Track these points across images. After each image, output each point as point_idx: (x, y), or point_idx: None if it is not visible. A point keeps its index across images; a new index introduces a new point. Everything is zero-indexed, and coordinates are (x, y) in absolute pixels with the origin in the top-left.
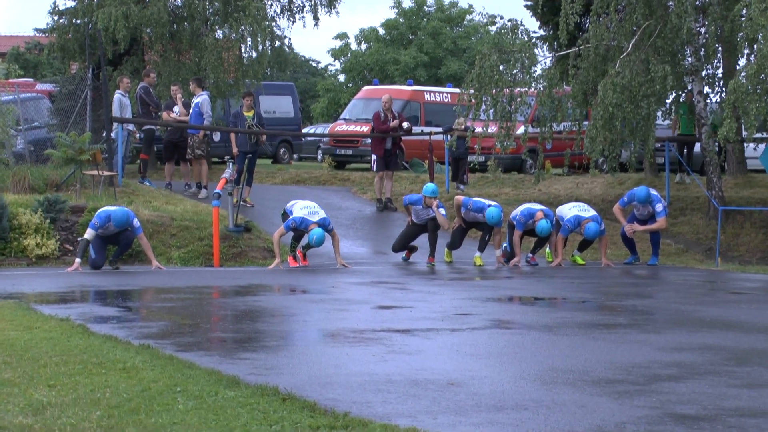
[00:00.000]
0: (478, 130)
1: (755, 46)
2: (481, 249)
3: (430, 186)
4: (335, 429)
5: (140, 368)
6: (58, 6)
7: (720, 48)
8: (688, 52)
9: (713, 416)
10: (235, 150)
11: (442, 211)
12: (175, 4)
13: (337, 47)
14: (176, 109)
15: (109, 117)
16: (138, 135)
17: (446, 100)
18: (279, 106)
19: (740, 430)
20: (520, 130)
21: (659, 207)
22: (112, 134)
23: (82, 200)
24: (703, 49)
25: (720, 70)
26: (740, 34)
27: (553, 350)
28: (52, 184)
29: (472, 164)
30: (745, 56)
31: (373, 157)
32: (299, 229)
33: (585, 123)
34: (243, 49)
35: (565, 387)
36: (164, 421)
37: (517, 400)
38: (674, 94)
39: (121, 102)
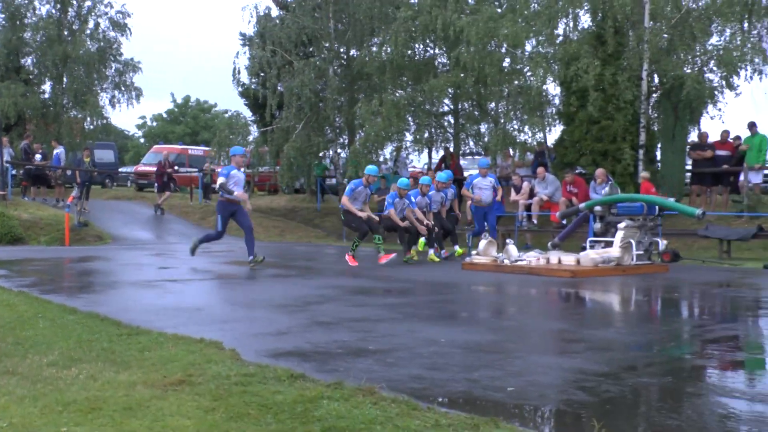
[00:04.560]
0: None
1: (365, 129)
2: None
3: (404, 180)
4: (131, 335)
5: (17, 304)
6: None
7: (346, 128)
8: (329, 131)
9: (338, 322)
10: (78, 180)
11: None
12: (45, 97)
13: (140, 123)
14: (38, 157)
15: (2, 161)
16: (21, 172)
17: (201, 154)
18: (106, 155)
19: (351, 328)
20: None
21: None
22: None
23: None
24: (338, 129)
25: (347, 140)
26: (356, 121)
27: (254, 289)
28: None
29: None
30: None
31: (156, 184)
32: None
33: (277, 167)
34: (85, 124)
35: (262, 309)
36: (30, 334)
37: (236, 317)
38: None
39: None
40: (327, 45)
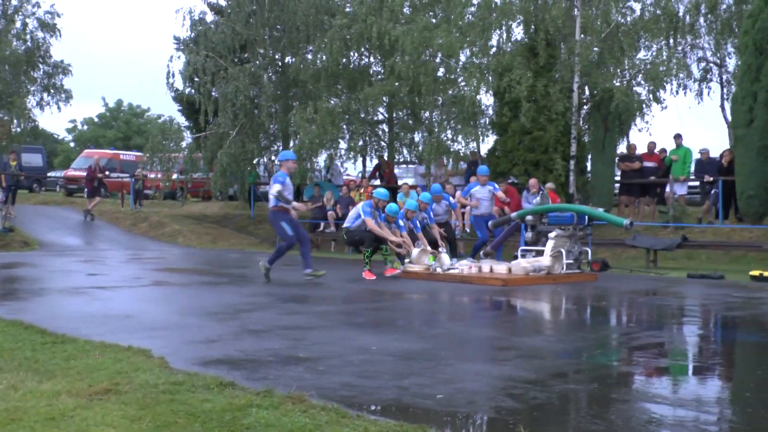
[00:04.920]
0: (157, 176)
1: (299, 136)
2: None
3: (393, 206)
4: (57, 343)
5: None
6: None
7: (281, 135)
8: (263, 137)
9: (269, 330)
10: (3, 184)
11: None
12: None
13: (71, 127)
14: None
15: None
16: None
17: (133, 159)
18: (34, 159)
19: (283, 336)
20: (174, 176)
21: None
22: None
23: None
24: (272, 136)
25: (282, 147)
26: (291, 129)
27: (186, 296)
28: None
29: (152, 195)
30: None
31: (85, 189)
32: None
33: (211, 174)
34: (12, 126)
35: (192, 317)
36: None
37: (166, 324)
38: (265, 159)
39: None
40: (262, 51)
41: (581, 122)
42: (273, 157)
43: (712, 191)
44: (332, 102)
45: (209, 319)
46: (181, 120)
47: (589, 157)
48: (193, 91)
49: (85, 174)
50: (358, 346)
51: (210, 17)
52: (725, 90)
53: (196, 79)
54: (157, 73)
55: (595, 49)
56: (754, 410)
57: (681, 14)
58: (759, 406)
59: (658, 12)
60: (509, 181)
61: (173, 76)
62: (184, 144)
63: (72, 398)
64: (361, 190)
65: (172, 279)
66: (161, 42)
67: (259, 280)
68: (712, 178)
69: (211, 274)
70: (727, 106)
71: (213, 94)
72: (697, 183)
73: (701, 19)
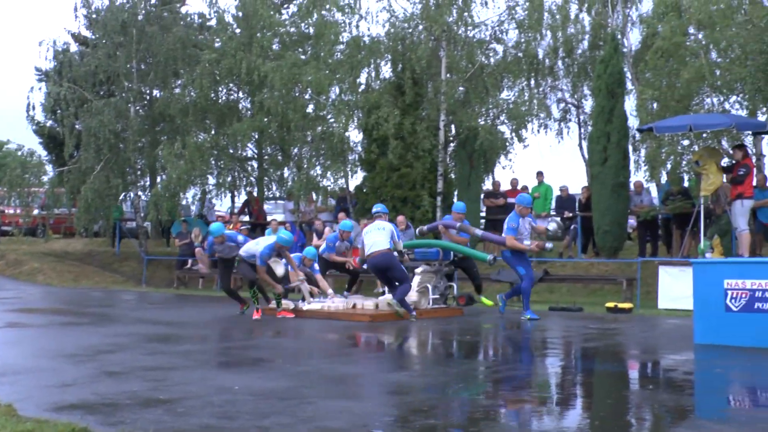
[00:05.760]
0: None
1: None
2: None
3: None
4: None
5: None
6: None
7: (148, 170)
8: (129, 172)
9: (129, 371)
10: None
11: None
12: None
13: None
14: None
15: None
16: None
17: None
18: None
19: (143, 378)
20: (35, 212)
21: None
22: None
23: None
24: (139, 171)
25: (149, 183)
26: (158, 164)
27: (43, 339)
28: None
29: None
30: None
31: None
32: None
33: (74, 209)
34: None
35: (47, 360)
36: None
37: (17, 369)
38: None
39: None
40: (129, 84)
41: (447, 159)
42: (140, 193)
43: (572, 227)
44: (201, 137)
45: (66, 361)
46: (43, 153)
47: (456, 193)
48: (55, 123)
49: None
50: (220, 386)
51: (74, 47)
52: (582, 130)
53: (59, 111)
54: (17, 104)
55: (461, 88)
56: None
57: (541, 57)
58: None
59: (519, 54)
60: None
61: (33, 108)
62: (45, 178)
63: None
64: (230, 226)
65: (28, 320)
66: (21, 72)
67: (124, 319)
68: (571, 214)
69: (71, 314)
70: (585, 145)
71: (77, 127)
72: (557, 219)
73: (559, 62)
